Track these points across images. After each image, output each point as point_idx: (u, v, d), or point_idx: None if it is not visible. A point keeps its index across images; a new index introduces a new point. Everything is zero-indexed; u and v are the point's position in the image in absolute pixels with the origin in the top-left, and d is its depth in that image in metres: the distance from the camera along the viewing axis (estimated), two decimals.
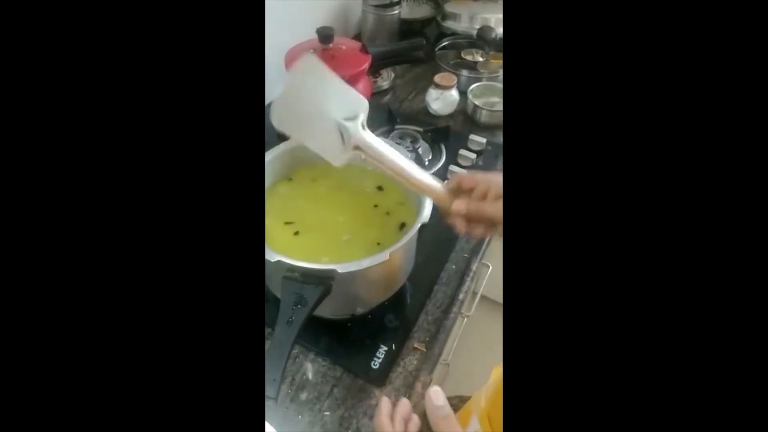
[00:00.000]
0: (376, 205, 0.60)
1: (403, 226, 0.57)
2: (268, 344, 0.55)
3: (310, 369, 0.56)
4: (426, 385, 0.56)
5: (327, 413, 0.52)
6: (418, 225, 0.51)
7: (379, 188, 0.62)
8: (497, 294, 0.54)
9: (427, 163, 0.83)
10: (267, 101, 0.97)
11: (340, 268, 0.46)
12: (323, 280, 0.47)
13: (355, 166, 0.64)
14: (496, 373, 0.52)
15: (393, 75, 1.04)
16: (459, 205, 0.45)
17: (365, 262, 0.47)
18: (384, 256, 0.48)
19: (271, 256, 0.47)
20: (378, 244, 0.54)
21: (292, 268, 0.47)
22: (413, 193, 0.60)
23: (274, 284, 0.56)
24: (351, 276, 0.48)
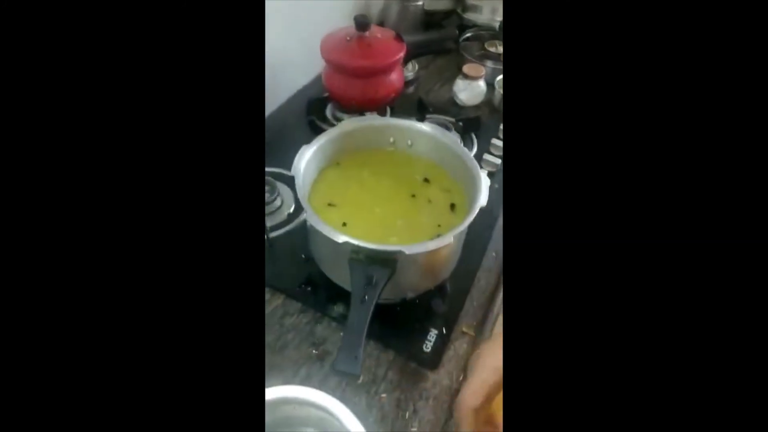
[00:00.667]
0: (413, 195, 0.61)
1: (453, 206, 0.58)
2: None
3: (364, 352, 0.57)
4: None
5: (383, 395, 0.53)
6: (477, 208, 0.51)
7: (426, 180, 0.63)
8: None
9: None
10: (302, 85, 0.98)
11: (407, 250, 0.47)
12: (389, 262, 0.47)
13: (402, 153, 0.65)
14: None
15: (417, 66, 1.04)
16: None
17: (431, 244, 0.48)
18: (449, 238, 0.48)
19: (337, 236, 0.47)
20: (438, 226, 0.55)
21: (358, 250, 0.47)
22: (460, 180, 0.60)
23: (327, 266, 0.56)
24: (415, 258, 0.48)
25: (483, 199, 0.52)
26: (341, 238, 0.47)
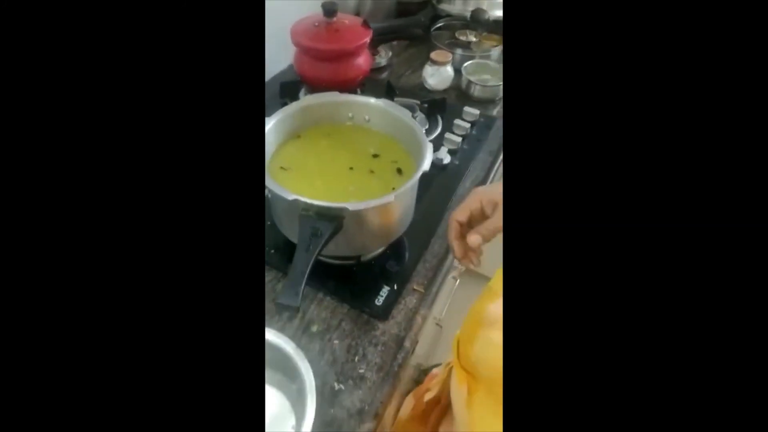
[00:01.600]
0: (372, 171, 0.65)
1: (400, 171, 0.64)
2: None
3: (319, 306, 0.62)
4: (425, 318, 0.62)
5: (336, 342, 0.58)
6: (420, 172, 0.56)
7: (375, 156, 0.67)
8: (487, 270, 0.59)
9: (424, 131, 0.89)
10: (277, 71, 1.03)
11: (351, 206, 0.52)
12: (335, 218, 0.52)
13: (359, 127, 0.70)
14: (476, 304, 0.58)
15: (390, 53, 1.09)
16: (476, 240, 0.50)
17: (373, 202, 0.53)
18: (390, 197, 0.53)
19: (288, 195, 0.52)
20: (393, 189, 0.60)
21: (307, 207, 0.52)
22: (411, 150, 0.65)
23: (285, 226, 0.61)
24: (360, 215, 0.53)
25: (426, 165, 0.57)
26: (291, 196, 0.52)
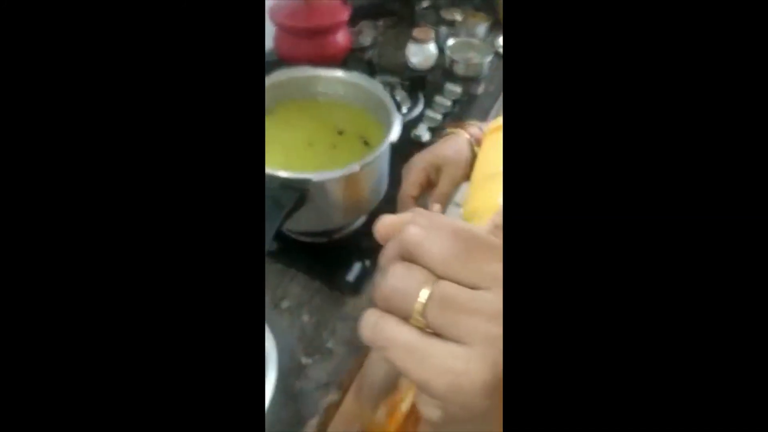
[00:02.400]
0: (339, 145, 0.64)
1: (366, 143, 0.62)
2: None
3: (291, 282, 0.61)
4: None
5: (305, 317, 0.58)
6: (387, 142, 0.55)
7: (343, 130, 0.66)
8: None
9: (405, 110, 0.88)
10: None
11: (315, 177, 0.51)
12: (299, 189, 0.51)
13: (331, 101, 0.69)
14: None
15: (375, 33, 1.08)
16: (438, 210, 0.49)
17: (338, 173, 0.52)
18: (355, 167, 0.52)
19: None
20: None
21: (272, 179, 0.51)
22: (383, 123, 0.64)
23: None
24: (325, 186, 0.53)
25: (394, 135, 0.56)
26: None
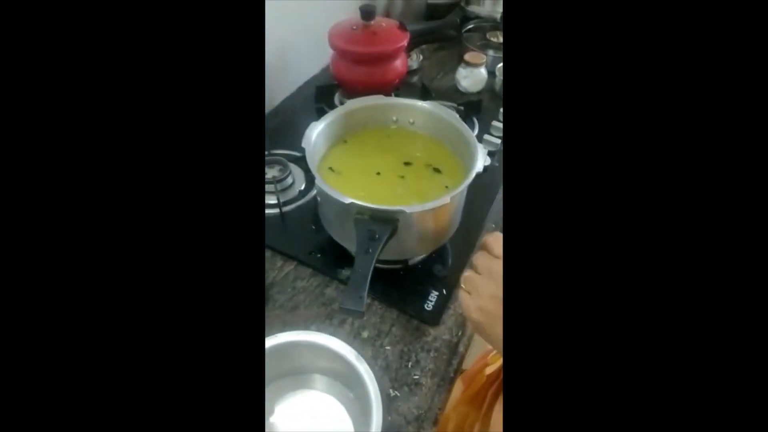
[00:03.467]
0: (419, 174, 0.64)
1: (438, 170, 0.64)
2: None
3: (368, 312, 0.61)
4: None
5: (388, 348, 0.57)
6: (474, 173, 0.55)
7: (407, 164, 0.66)
8: None
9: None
10: (311, 75, 1.02)
11: (408, 209, 0.51)
12: (391, 221, 0.51)
13: (404, 130, 0.69)
14: None
15: (421, 57, 1.09)
16: None
17: (429, 205, 0.52)
18: (446, 199, 0.52)
19: (344, 198, 0.52)
20: (441, 192, 0.59)
21: (362, 210, 0.52)
22: (458, 152, 0.64)
23: (335, 229, 0.61)
24: (414, 218, 0.53)
25: (480, 166, 0.56)
26: (347, 200, 0.51)
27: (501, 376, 0.64)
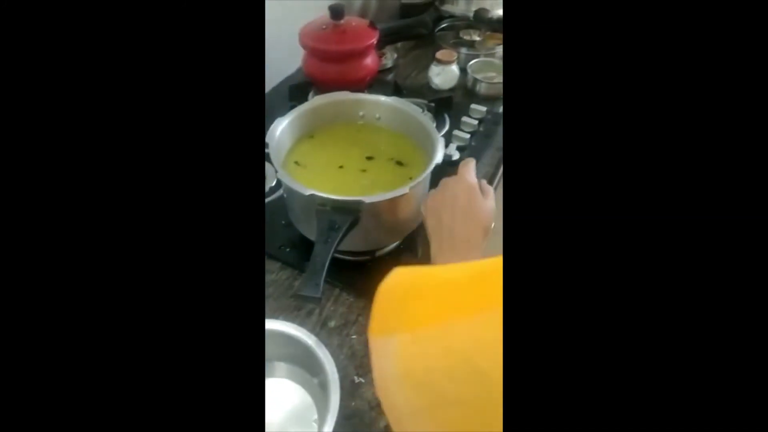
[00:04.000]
0: (383, 167, 0.66)
1: (399, 163, 0.65)
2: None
3: (336, 302, 0.62)
4: None
5: (354, 337, 0.58)
6: (433, 164, 0.57)
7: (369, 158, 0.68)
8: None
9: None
10: (285, 75, 1.03)
11: (367, 200, 0.52)
12: (351, 211, 0.53)
13: (371, 125, 0.71)
14: None
15: (396, 55, 1.10)
16: None
17: (389, 195, 0.53)
18: (405, 189, 0.54)
19: (304, 190, 0.53)
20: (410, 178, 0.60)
21: (324, 201, 0.53)
22: (422, 145, 0.66)
23: (302, 223, 0.62)
24: (376, 208, 0.54)
25: (439, 157, 0.58)
26: (308, 191, 0.53)
27: None
